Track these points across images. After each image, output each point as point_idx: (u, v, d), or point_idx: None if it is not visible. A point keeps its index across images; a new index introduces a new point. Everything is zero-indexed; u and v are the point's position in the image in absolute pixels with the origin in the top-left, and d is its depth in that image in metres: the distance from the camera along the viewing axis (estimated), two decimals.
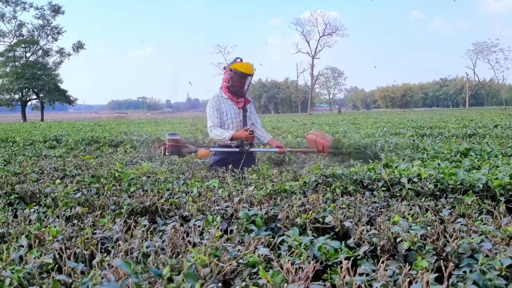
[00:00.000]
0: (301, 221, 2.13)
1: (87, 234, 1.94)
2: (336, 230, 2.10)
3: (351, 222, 2.08)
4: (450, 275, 1.51)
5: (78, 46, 54.13)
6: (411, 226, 1.91)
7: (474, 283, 1.41)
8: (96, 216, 2.32)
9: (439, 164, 3.27)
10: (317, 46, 63.50)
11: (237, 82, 4.47)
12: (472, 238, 1.74)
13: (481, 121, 11.66)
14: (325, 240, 1.83)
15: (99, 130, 13.20)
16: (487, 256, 1.52)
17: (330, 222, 2.12)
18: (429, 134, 6.99)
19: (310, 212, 2.22)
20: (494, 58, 72.74)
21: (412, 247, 1.73)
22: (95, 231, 2.00)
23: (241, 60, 4.57)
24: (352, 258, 1.63)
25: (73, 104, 54.20)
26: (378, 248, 1.82)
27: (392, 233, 1.85)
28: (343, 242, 1.83)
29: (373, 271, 1.47)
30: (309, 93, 63.00)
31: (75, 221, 2.24)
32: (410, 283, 1.36)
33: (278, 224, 2.23)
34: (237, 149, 4.38)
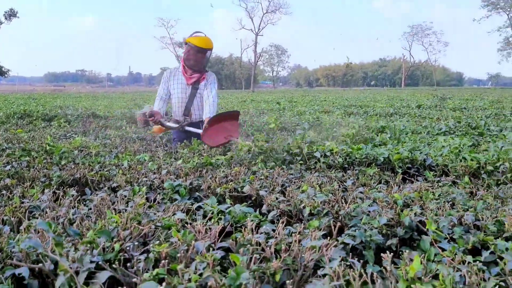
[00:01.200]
0: (221, 191, 2.33)
1: (15, 203, 2.04)
2: (253, 198, 2.33)
3: (266, 191, 2.32)
4: (342, 232, 1.77)
5: (11, 14, 50.80)
6: (315, 194, 2.18)
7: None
8: (26, 188, 2.41)
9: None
10: (260, 23, 63.59)
11: (193, 56, 4.31)
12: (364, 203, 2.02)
13: (410, 100, 12.42)
14: (241, 207, 2.05)
15: (33, 103, 12.73)
16: (368, 215, 1.80)
17: (247, 191, 2.35)
18: (356, 113, 7.45)
19: (231, 183, 2.44)
20: (428, 41, 76.18)
21: (313, 211, 1.99)
22: (23, 201, 2.11)
23: (205, 35, 4.39)
24: (260, 222, 1.86)
25: (6, 75, 51.12)
26: (286, 213, 2.07)
27: (299, 200, 2.10)
28: (258, 210, 2.07)
29: (273, 230, 1.70)
30: (252, 70, 63.30)
31: (4, 192, 2.31)
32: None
33: (200, 194, 2.43)
34: (174, 125, 4.30)
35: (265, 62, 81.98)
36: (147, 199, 2.26)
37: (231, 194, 2.37)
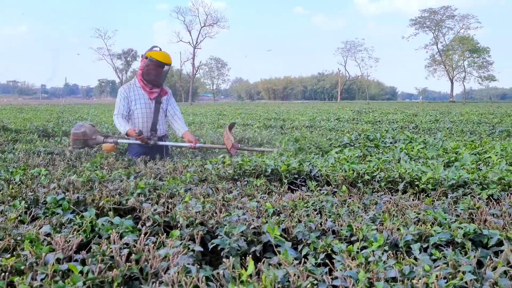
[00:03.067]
0: (102, 204, 2.36)
1: None
2: (138, 210, 2.37)
3: (149, 203, 2.37)
4: (213, 240, 1.85)
5: None
6: (196, 205, 2.26)
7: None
8: None
9: None
10: (198, 36, 63.83)
11: (153, 71, 4.31)
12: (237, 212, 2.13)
13: (334, 113, 12.95)
14: (121, 220, 2.08)
15: None
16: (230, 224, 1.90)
17: (131, 204, 2.38)
18: (273, 126, 7.69)
19: (117, 196, 2.47)
20: (360, 56, 79.70)
21: (187, 222, 2.06)
22: None
23: (161, 50, 4.40)
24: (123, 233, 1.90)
25: None
26: (162, 224, 2.13)
27: (178, 211, 2.17)
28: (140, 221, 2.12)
29: (135, 240, 1.76)
30: (190, 83, 63.16)
31: None
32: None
33: (88, 207, 2.43)
34: (138, 142, 4.25)
35: (205, 75, 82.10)
36: (30, 213, 2.24)
37: (117, 207, 2.40)
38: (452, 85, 64.27)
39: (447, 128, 6.79)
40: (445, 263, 1.49)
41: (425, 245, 1.80)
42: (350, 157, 3.34)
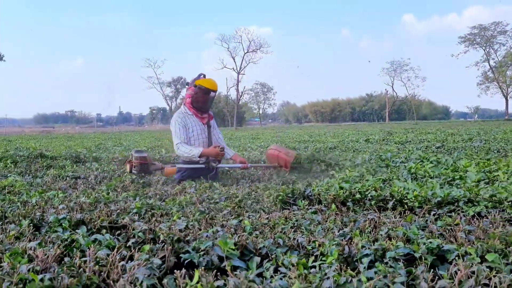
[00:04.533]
0: (98, 223, 2.54)
1: None
2: (128, 228, 2.53)
3: (142, 221, 2.53)
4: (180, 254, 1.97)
5: None
6: (182, 222, 2.39)
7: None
8: None
9: None
10: (242, 62, 65.33)
11: (201, 98, 4.52)
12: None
13: (369, 135, 12.83)
14: (104, 237, 2.24)
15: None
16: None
17: (124, 222, 2.55)
18: (297, 148, 7.75)
19: (114, 216, 2.65)
20: (406, 76, 78.14)
21: (166, 238, 2.19)
22: None
23: (205, 76, 4.60)
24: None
25: None
26: (147, 240, 2.28)
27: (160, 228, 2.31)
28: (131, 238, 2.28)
29: (108, 255, 1.91)
30: (235, 108, 64.32)
31: None
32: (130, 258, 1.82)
33: (88, 226, 2.63)
34: (203, 166, 4.40)
35: (252, 100, 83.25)
36: (29, 231, 2.45)
37: (112, 225, 2.57)
38: (506, 102, 61.65)
39: (474, 147, 6.58)
40: (384, 276, 1.54)
41: (385, 260, 1.84)
42: (349, 177, 3.37)
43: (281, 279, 1.54)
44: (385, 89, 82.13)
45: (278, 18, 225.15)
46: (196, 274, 1.53)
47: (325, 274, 1.57)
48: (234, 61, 66.52)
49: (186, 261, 1.91)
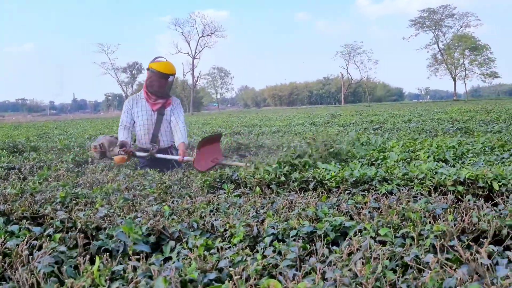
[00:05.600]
0: (19, 213, 2.52)
1: None
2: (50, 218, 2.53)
3: (65, 211, 2.53)
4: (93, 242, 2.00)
5: None
6: (103, 210, 2.41)
7: None
8: None
9: None
10: (196, 47, 64.54)
11: (156, 82, 4.30)
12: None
13: (318, 117, 13.12)
14: (19, 227, 2.23)
15: None
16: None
17: (46, 212, 2.55)
18: (241, 132, 7.85)
19: (36, 206, 2.63)
20: (359, 59, 79.77)
21: (83, 226, 2.21)
22: None
23: (166, 60, 4.37)
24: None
25: None
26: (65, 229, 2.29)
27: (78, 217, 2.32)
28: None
29: (18, 245, 1.91)
30: (191, 93, 63.70)
31: None
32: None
33: (10, 217, 2.60)
34: (145, 154, 4.28)
35: (209, 84, 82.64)
36: None
37: (34, 215, 2.56)
38: (455, 83, 63.99)
39: (409, 128, 6.89)
40: (279, 253, 1.63)
41: (292, 239, 1.94)
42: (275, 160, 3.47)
43: (180, 261, 1.61)
44: (341, 72, 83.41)
45: (235, 1, 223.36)
46: (97, 260, 1.57)
47: (222, 254, 1.64)
48: (189, 46, 65.82)
49: (102, 248, 1.95)
